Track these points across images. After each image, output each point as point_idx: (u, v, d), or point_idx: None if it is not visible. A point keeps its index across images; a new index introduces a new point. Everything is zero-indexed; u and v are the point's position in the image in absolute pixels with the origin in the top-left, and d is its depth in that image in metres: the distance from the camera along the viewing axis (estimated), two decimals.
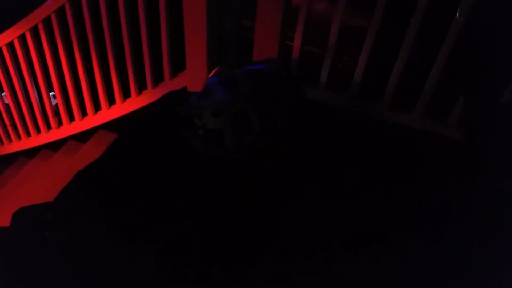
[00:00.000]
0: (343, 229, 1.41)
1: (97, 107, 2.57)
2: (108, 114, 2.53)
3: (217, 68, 1.61)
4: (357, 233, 1.39)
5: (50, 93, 2.69)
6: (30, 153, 3.09)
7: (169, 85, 2.22)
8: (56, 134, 2.82)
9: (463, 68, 1.60)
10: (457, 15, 1.49)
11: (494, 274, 1.14)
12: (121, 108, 2.46)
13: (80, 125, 2.67)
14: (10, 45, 2.54)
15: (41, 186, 2.42)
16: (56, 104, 2.71)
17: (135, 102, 2.39)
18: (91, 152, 2.30)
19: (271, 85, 0.96)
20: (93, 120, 2.60)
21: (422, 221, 1.35)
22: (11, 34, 2.48)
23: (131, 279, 0.88)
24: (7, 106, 2.95)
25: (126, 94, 2.43)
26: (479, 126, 1.37)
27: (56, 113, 2.76)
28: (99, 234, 0.89)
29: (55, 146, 2.91)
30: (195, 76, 2.08)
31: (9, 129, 3.04)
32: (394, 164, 1.65)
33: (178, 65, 2.19)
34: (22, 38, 2.47)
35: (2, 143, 3.15)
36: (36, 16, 2.34)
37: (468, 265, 1.19)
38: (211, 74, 1.60)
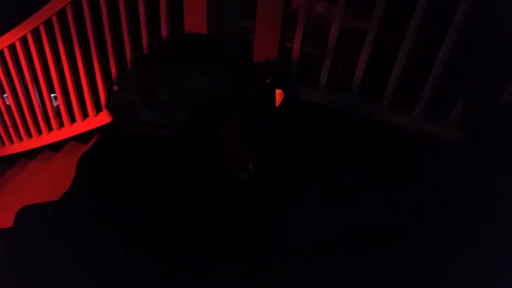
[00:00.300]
0: (343, 229, 1.41)
1: (98, 109, 2.58)
2: None
3: None
4: (357, 233, 1.39)
5: (52, 95, 2.70)
6: (32, 154, 3.09)
7: None
8: (57, 135, 2.83)
9: (463, 69, 1.60)
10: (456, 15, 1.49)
11: (494, 274, 1.14)
12: None
13: (81, 126, 2.68)
14: (12, 47, 2.55)
15: (42, 186, 2.42)
16: (57, 106, 2.72)
17: None
18: None
19: (176, 49, 0.91)
20: (94, 121, 2.61)
21: (422, 221, 1.36)
22: (13, 36, 2.49)
23: (130, 279, 0.88)
24: (8, 108, 2.96)
25: None
26: (479, 126, 1.37)
27: (57, 114, 2.77)
28: (98, 235, 0.90)
29: (56, 147, 2.92)
30: None
31: (11, 130, 3.05)
32: (394, 165, 1.66)
33: None
34: (24, 40, 2.48)
35: (4, 144, 3.16)
36: (37, 18, 2.34)
37: (467, 265, 1.19)
38: None
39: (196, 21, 1.94)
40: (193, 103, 0.86)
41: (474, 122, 1.40)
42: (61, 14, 2.26)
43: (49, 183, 2.23)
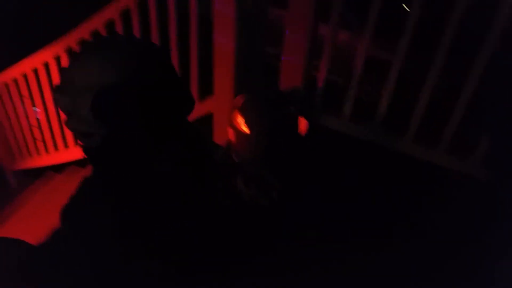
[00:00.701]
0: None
1: None
2: None
3: (242, 95, 1.66)
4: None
5: None
6: (59, 168, 3.17)
7: (196, 108, 2.27)
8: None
9: (488, 104, 1.60)
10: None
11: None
12: None
13: None
14: (45, 64, 2.66)
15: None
16: None
17: None
18: None
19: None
20: None
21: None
22: (47, 54, 2.61)
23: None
24: (38, 121, 3.06)
25: None
26: (504, 164, 1.37)
27: None
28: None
29: (84, 163, 2.99)
30: (221, 101, 2.13)
31: (39, 143, 3.14)
32: (414, 197, 1.65)
33: (205, 90, 2.25)
34: (57, 58, 2.59)
35: (31, 156, 3.25)
36: (71, 37, 2.45)
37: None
38: (236, 101, 1.65)
39: (224, 45, 2.00)
40: (89, 98, 0.80)
41: (499, 160, 1.39)
42: (95, 35, 2.35)
43: None
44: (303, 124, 1.69)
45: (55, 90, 0.86)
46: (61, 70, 0.85)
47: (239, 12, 1.92)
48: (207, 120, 2.22)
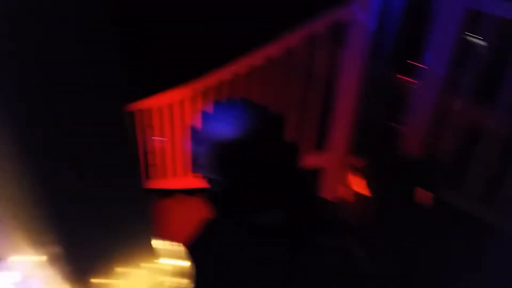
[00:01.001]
0: None
1: None
2: None
3: (362, 158, 1.69)
4: None
5: None
6: (165, 193, 3.42)
7: (310, 159, 2.29)
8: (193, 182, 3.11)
9: None
10: None
11: None
12: None
13: None
14: (181, 103, 2.99)
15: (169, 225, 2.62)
16: None
17: None
18: None
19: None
20: None
21: None
22: (181, 95, 2.93)
23: None
24: (156, 149, 3.36)
25: None
26: None
27: None
28: None
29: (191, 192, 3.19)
30: (334, 157, 2.16)
31: (152, 168, 3.43)
32: None
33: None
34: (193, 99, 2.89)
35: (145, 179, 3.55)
36: (204, 83, 2.73)
37: None
38: (356, 162, 1.68)
39: (346, 102, 2.06)
40: (209, 149, 0.91)
41: None
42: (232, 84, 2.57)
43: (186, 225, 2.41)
44: (422, 195, 1.65)
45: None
46: (196, 119, 0.99)
47: (364, 75, 1.98)
48: (314, 173, 2.25)
